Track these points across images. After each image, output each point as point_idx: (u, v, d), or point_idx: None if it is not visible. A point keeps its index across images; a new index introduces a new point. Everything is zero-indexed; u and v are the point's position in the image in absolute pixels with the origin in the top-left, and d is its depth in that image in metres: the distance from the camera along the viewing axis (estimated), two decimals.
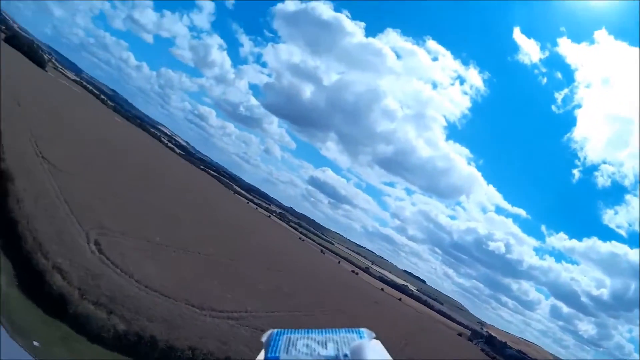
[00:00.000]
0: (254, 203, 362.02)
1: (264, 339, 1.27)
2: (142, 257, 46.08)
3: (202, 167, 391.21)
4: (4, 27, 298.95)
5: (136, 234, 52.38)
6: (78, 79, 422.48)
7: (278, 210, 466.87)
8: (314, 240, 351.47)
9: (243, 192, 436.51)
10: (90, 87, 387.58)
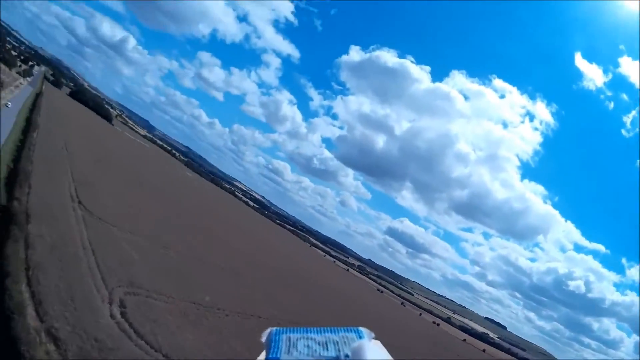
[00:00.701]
0: (331, 256, 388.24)
1: (263, 338, 1.39)
2: (181, 323, 39.04)
3: (278, 221, 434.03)
4: (71, 84, 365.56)
5: (179, 293, 46.37)
6: (149, 135, 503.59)
7: (356, 263, 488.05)
8: (392, 292, 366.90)
9: (320, 244, 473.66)
10: (161, 143, 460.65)
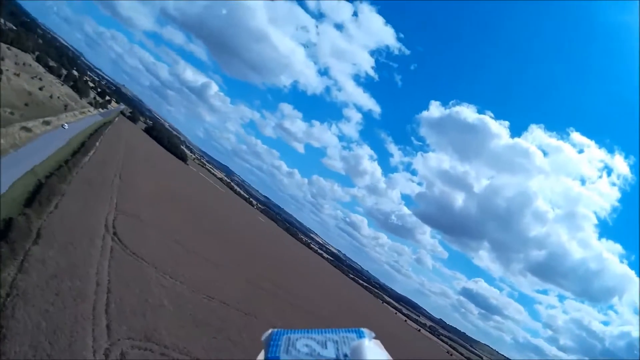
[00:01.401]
0: (402, 314, 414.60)
1: (263, 338, 1.49)
2: None
3: (352, 275, 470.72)
4: (150, 122, 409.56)
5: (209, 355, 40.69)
6: (226, 179, 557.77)
7: (428, 323, 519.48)
8: (462, 354, 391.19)
9: (393, 301, 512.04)
10: (238, 189, 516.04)
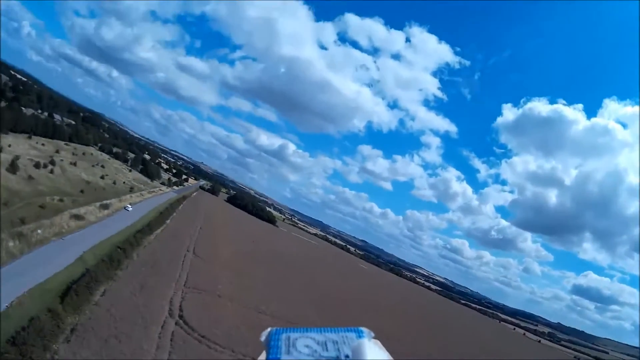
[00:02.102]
0: (521, 327, 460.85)
1: (263, 338, 1.64)
2: None
3: (463, 301, 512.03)
4: (232, 191, 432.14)
5: None
6: (321, 233, 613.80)
7: (546, 330, 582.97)
8: (588, 355, 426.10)
9: (508, 318, 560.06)
10: (334, 240, 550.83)
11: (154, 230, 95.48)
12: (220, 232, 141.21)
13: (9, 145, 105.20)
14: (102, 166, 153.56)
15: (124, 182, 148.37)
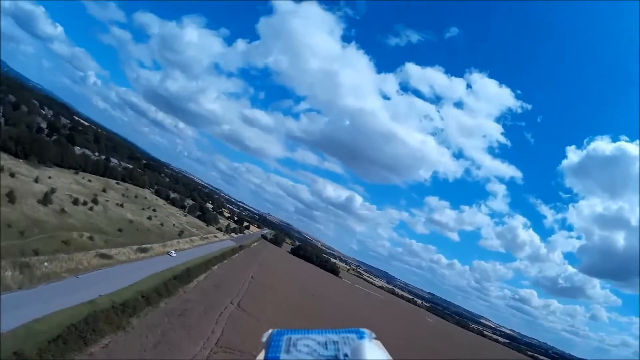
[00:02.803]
0: None
1: (264, 339, 1.68)
2: None
3: (530, 353, 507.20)
4: (297, 242, 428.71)
5: None
6: (387, 285, 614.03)
7: None
8: None
9: None
10: (401, 292, 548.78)
11: (194, 277, 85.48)
12: (276, 284, 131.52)
13: (49, 177, 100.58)
14: (154, 210, 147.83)
15: (173, 225, 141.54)
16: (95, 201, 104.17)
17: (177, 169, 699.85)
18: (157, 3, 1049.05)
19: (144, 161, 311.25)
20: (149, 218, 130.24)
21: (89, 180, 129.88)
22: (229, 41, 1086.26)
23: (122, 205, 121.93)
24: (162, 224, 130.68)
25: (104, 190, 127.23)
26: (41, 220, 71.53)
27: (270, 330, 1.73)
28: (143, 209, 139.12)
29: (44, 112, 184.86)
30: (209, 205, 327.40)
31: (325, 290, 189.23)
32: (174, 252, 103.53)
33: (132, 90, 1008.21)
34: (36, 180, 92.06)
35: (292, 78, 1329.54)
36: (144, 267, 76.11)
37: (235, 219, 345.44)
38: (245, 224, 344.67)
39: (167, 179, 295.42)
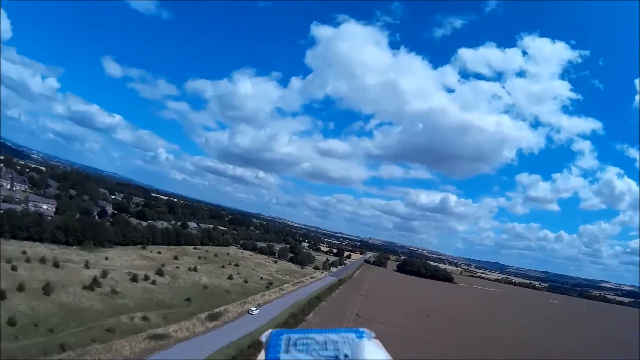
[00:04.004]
0: None
1: (263, 339, 1.69)
2: None
3: None
4: (402, 257, 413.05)
5: None
6: (501, 277, 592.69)
7: None
8: None
9: None
10: (515, 279, 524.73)
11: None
12: (386, 314, 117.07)
13: (106, 259, 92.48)
14: (236, 265, 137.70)
15: (261, 278, 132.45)
16: (160, 272, 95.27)
17: (268, 217, 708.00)
18: (203, 67, 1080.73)
19: (229, 217, 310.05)
20: (230, 277, 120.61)
21: (159, 252, 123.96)
22: (284, 82, 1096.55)
23: (195, 269, 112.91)
24: (245, 281, 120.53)
25: (175, 258, 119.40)
26: (83, 309, 63.61)
27: (269, 330, 1.72)
28: (222, 267, 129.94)
29: (112, 197, 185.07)
30: (305, 244, 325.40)
31: (446, 304, 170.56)
32: (255, 309, 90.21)
33: (205, 155, 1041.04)
34: (87, 266, 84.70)
35: (355, 99, 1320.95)
36: (211, 340, 63.62)
37: (335, 251, 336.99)
38: (346, 253, 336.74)
39: (257, 231, 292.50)
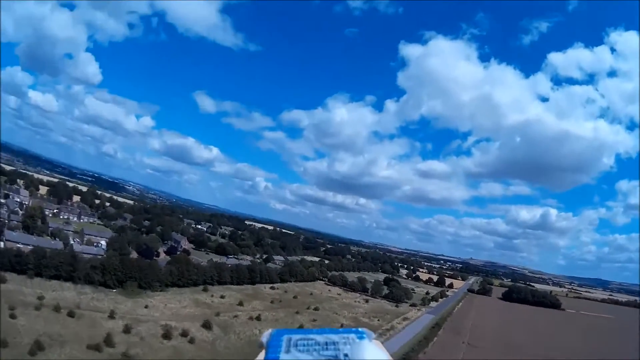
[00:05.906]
0: None
1: (263, 339, 1.72)
2: None
3: None
4: (508, 281, 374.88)
5: None
6: (606, 295, 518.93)
7: None
8: None
9: None
10: (619, 298, 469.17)
11: None
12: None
13: (146, 307, 78.84)
14: (316, 309, 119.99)
15: (341, 325, 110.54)
16: (207, 325, 79.68)
17: (370, 243, 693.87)
18: (296, 97, 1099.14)
19: (325, 246, 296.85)
20: (300, 327, 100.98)
21: (222, 297, 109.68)
22: (378, 106, 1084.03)
23: (258, 318, 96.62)
24: None
25: (239, 304, 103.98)
26: None
27: (270, 330, 1.73)
28: (297, 313, 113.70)
29: (197, 227, 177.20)
30: (403, 272, 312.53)
31: (566, 344, 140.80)
32: None
33: (304, 183, 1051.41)
34: (112, 316, 71.91)
35: (451, 118, 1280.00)
36: None
37: (435, 279, 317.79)
38: (447, 281, 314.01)
39: (353, 259, 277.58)
